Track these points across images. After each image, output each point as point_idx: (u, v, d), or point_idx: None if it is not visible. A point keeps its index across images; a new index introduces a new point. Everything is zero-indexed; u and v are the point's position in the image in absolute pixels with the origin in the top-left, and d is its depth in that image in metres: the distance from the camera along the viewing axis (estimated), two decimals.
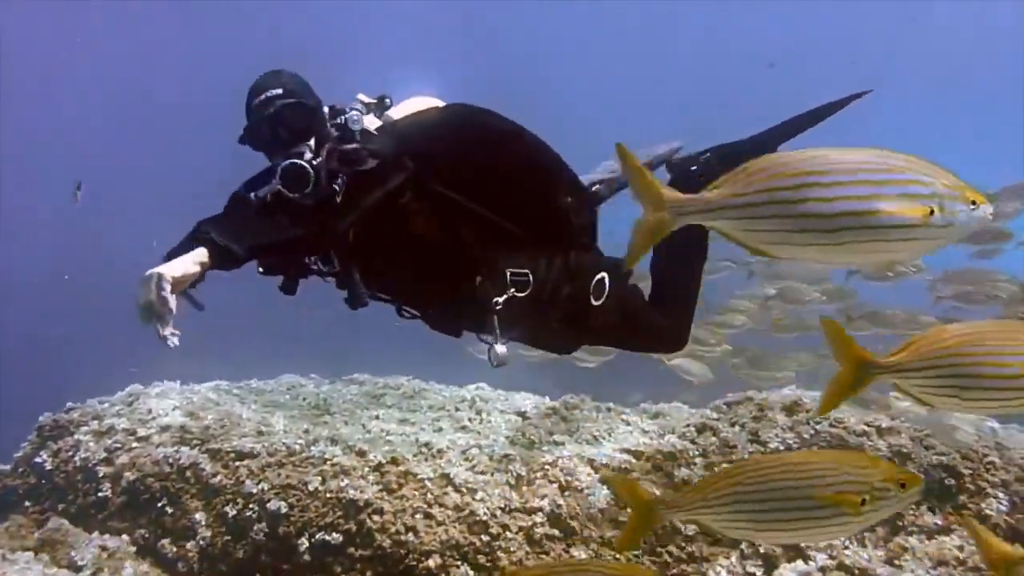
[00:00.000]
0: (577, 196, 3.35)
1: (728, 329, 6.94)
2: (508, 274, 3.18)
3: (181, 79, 22.56)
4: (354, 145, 2.92)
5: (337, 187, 2.86)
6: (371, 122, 3.14)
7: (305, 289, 3.19)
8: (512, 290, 3.17)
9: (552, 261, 3.32)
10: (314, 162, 2.88)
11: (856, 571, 4.15)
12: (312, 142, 2.95)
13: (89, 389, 6.07)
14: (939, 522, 4.41)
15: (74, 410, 5.69)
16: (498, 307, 3.15)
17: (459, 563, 4.32)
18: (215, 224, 2.89)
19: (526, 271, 3.22)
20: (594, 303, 3.39)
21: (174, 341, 2.69)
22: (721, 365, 7.07)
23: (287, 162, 2.85)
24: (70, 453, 5.24)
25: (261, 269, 3.04)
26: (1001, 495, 4.44)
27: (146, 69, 22.83)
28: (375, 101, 3.20)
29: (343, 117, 3.03)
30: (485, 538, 4.40)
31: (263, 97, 2.94)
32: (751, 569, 4.29)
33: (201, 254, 2.62)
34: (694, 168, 3.71)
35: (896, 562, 4.19)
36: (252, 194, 2.98)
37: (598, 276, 3.39)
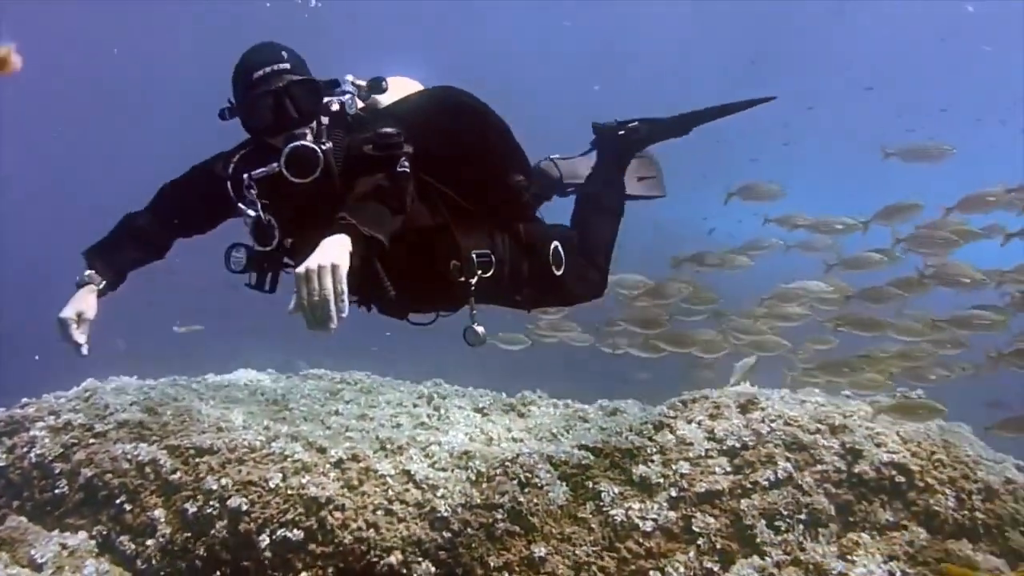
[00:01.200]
0: (526, 174, 3.39)
1: (785, 323, 6.41)
2: (474, 256, 3.18)
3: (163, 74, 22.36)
4: (390, 129, 2.80)
5: (407, 169, 2.73)
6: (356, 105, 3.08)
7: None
8: (479, 271, 3.18)
9: (506, 238, 3.37)
10: (323, 146, 2.78)
11: (810, 566, 4.25)
12: (314, 124, 2.84)
13: (43, 383, 5.96)
14: (891, 518, 4.53)
15: (29, 405, 5.60)
16: (472, 289, 3.16)
17: (420, 559, 4.34)
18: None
19: (487, 251, 3.24)
20: (557, 273, 3.50)
21: (84, 351, 2.68)
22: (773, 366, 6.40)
23: (296, 144, 2.74)
24: (25, 449, 5.15)
25: (235, 267, 2.97)
26: (948, 491, 4.57)
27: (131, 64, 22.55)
28: (366, 84, 3.09)
29: (338, 100, 2.94)
30: (447, 535, 4.43)
31: (268, 70, 2.78)
32: (708, 565, 4.37)
33: (345, 242, 2.41)
34: (621, 132, 4.07)
35: (849, 557, 4.30)
36: (246, 175, 2.84)
37: (552, 245, 3.49)
